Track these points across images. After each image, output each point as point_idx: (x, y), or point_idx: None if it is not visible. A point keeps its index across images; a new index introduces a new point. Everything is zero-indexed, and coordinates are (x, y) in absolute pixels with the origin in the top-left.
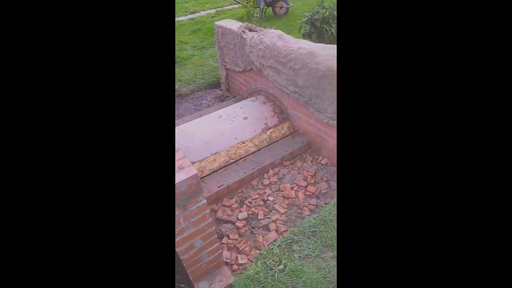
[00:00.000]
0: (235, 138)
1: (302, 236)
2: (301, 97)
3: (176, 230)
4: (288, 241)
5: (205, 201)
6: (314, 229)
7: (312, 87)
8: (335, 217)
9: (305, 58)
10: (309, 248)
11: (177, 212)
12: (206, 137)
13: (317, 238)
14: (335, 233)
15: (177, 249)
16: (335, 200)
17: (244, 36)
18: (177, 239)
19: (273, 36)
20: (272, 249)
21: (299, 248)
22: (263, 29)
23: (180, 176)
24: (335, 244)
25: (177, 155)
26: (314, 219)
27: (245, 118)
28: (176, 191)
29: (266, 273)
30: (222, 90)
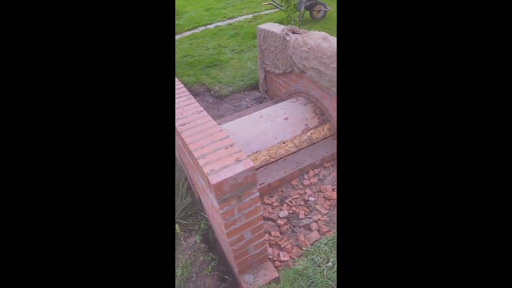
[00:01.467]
0: (276, 138)
1: None
2: None
3: (230, 220)
4: (335, 240)
5: (258, 194)
6: None
7: None
8: None
9: None
10: None
11: (232, 203)
12: (248, 136)
13: None
14: None
15: (228, 239)
16: None
17: (287, 38)
18: (229, 229)
19: (317, 38)
20: (319, 246)
21: None
22: (306, 31)
23: (238, 168)
24: None
25: (234, 149)
26: None
27: (286, 118)
28: (234, 182)
29: (315, 269)
30: (261, 92)
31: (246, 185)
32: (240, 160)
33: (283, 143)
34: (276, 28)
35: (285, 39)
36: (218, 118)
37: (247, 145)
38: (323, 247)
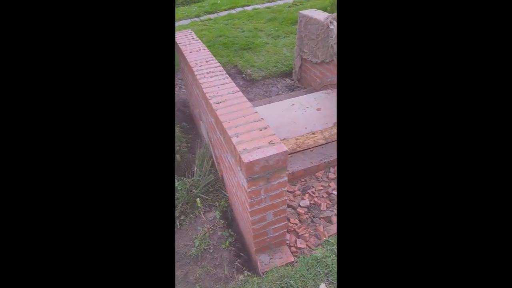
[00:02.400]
0: (306, 128)
1: None
2: None
3: (255, 200)
4: None
5: (286, 178)
6: None
7: None
8: None
9: None
10: None
11: (261, 183)
12: (277, 122)
13: None
14: None
15: (251, 218)
16: None
17: (331, 26)
18: (253, 208)
19: None
20: None
21: None
22: None
23: (271, 150)
24: None
25: (268, 131)
26: None
27: (318, 109)
28: (265, 163)
29: (334, 260)
30: (293, 80)
31: (276, 168)
32: (274, 143)
33: (312, 133)
34: (319, 15)
35: (328, 27)
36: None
37: (275, 131)
38: None
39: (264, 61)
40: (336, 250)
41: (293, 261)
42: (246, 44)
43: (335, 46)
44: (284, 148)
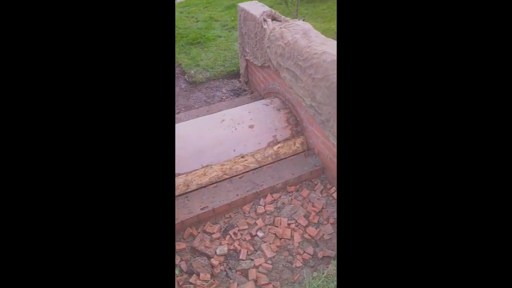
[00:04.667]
0: (234, 150)
1: None
2: (318, 115)
3: None
4: None
5: None
6: None
7: (332, 106)
8: None
9: (329, 68)
10: None
11: None
12: (200, 145)
13: None
14: None
15: None
16: (335, 262)
17: (265, 26)
18: None
19: (297, 31)
20: None
21: None
22: (288, 19)
23: None
24: None
25: None
26: None
27: (251, 126)
28: None
29: None
30: (241, 82)
31: None
32: None
33: (242, 157)
34: (256, 10)
35: (262, 26)
36: (186, 109)
37: (197, 156)
38: None
39: (212, 58)
40: None
41: None
42: (196, 37)
43: (268, 50)
44: None
